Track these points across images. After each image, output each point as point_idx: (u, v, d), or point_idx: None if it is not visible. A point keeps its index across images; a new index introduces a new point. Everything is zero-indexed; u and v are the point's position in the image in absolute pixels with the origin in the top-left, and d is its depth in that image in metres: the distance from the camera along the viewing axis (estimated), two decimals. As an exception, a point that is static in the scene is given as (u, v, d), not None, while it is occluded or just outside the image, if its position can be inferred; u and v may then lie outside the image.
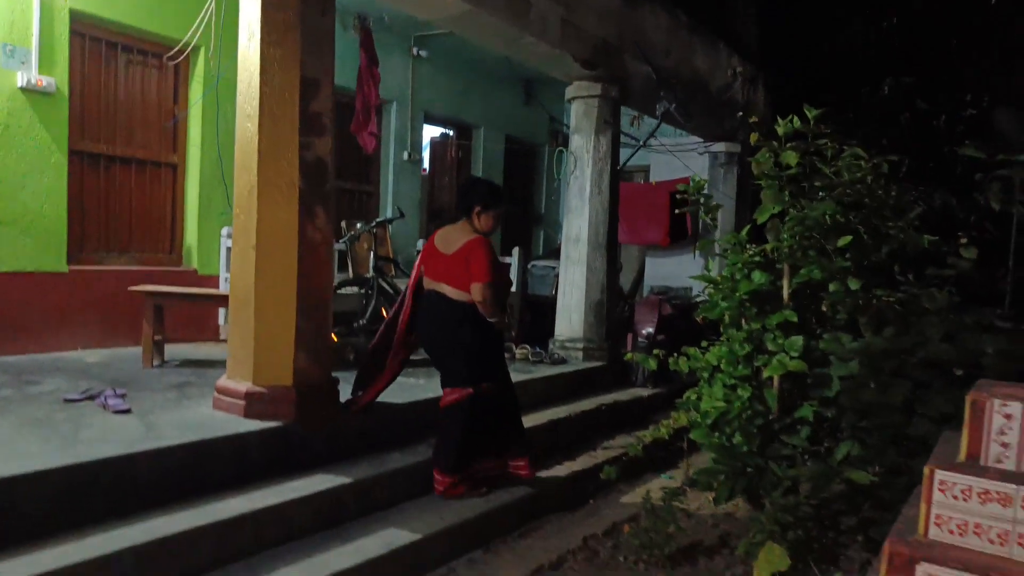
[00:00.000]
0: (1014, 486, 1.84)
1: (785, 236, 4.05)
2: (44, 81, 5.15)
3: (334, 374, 3.96)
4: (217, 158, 5.71)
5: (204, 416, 3.69)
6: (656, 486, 5.21)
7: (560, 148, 8.78)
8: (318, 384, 3.83)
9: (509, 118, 9.53)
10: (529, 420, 4.60)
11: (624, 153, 6.48)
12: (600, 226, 6.33)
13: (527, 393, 5.00)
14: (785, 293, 4.14)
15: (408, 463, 3.78)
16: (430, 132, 9.26)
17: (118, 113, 5.83)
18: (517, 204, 10.22)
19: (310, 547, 3.18)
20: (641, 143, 6.32)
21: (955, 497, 1.92)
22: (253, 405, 3.66)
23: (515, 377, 4.50)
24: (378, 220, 5.66)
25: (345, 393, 4.07)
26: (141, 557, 2.69)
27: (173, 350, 5.44)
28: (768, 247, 4.16)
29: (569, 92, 6.45)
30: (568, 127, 7.05)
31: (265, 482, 3.36)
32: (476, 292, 3.74)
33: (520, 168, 9.98)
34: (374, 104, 4.01)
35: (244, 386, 3.70)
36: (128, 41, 5.80)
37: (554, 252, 8.70)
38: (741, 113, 7.02)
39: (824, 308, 4.04)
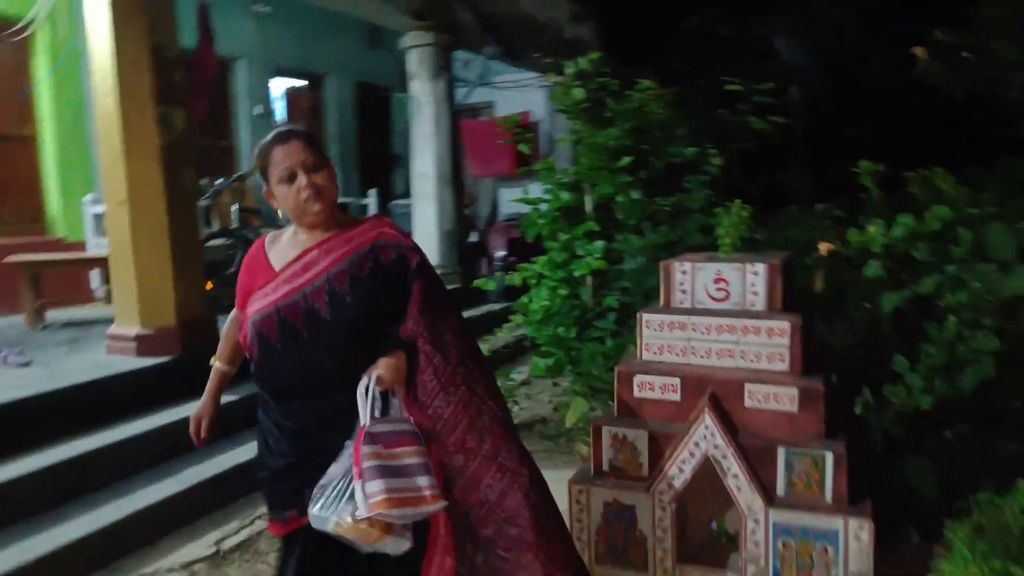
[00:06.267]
0: (685, 317, 2.81)
1: (583, 159, 4.96)
2: None
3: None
4: (72, 128, 5.91)
5: (100, 360, 4.21)
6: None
7: (400, 94, 9.31)
8: (198, 321, 4.42)
9: (358, 64, 9.91)
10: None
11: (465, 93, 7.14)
12: (445, 163, 7.06)
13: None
14: (587, 207, 5.08)
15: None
16: (283, 85, 9.50)
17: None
18: (374, 147, 10.71)
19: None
20: (475, 83, 7.03)
21: (656, 329, 2.87)
22: (143, 345, 4.22)
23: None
24: (236, 175, 6.09)
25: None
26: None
27: (52, 314, 5.76)
28: (571, 169, 5.05)
29: (404, 41, 7.03)
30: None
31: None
32: None
33: (374, 112, 10.43)
34: (210, 81, 4.48)
35: (134, 330, 4.24)
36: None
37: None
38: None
39: (619, 216, 5.01)
